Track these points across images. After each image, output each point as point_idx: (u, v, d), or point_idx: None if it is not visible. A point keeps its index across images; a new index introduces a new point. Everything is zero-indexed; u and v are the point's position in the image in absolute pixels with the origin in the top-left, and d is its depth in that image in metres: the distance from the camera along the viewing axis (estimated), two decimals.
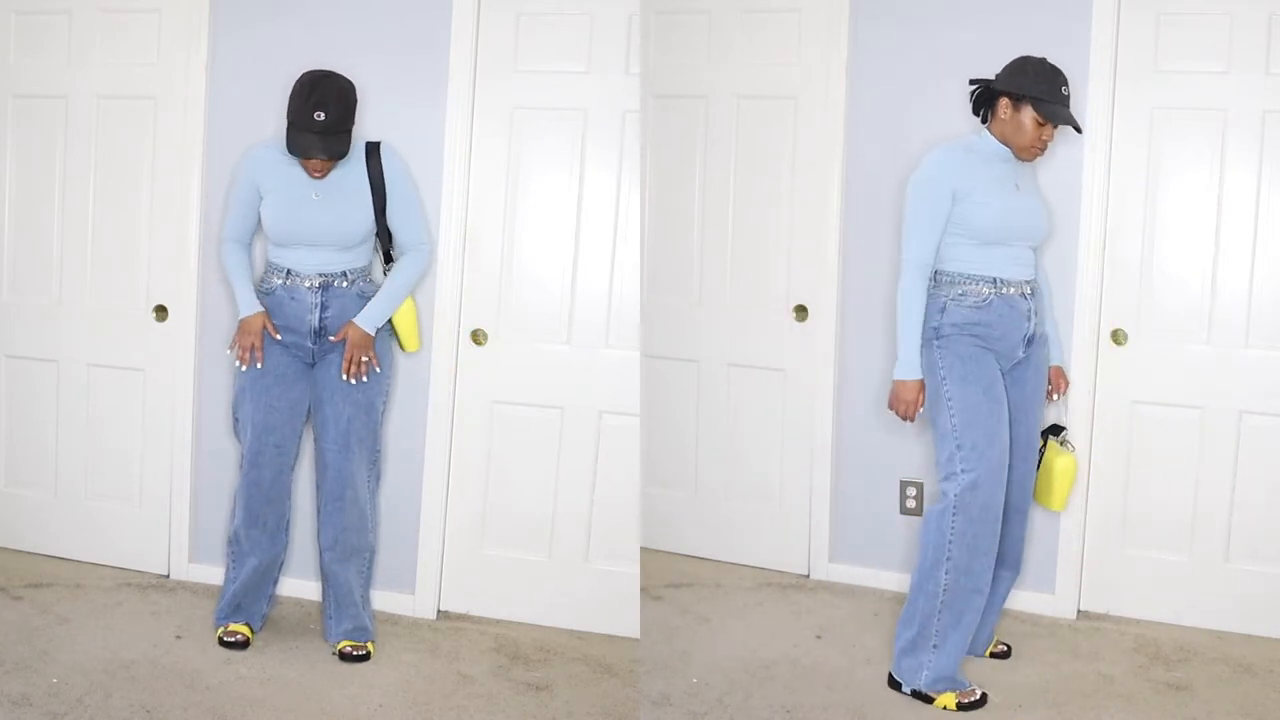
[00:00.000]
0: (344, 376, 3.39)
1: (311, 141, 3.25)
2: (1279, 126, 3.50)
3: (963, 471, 3.11)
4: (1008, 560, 3.36)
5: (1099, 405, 3.70)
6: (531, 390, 3.75)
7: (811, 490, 4.08)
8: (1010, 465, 3.27)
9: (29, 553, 4.09)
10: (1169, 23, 3.56)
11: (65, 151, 3.96)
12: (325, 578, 3.54)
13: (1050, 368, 3.42)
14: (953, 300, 3.18)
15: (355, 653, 3.44)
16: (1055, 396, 3.45)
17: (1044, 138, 3.18)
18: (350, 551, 3.52)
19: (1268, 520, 3.60)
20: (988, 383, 3.15)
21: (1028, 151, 3.20)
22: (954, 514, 3.11)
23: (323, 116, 3.23)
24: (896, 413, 3.21)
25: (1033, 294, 3.25)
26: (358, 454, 3.46)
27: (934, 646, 3.17)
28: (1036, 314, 3.27)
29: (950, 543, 3.12)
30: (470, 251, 3.72)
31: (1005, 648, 3.46)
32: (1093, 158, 3.61)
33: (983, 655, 3.43)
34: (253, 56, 3.76)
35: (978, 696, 3.17)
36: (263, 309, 3.42)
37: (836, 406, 4.01)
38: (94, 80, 3.90)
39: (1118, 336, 3.67)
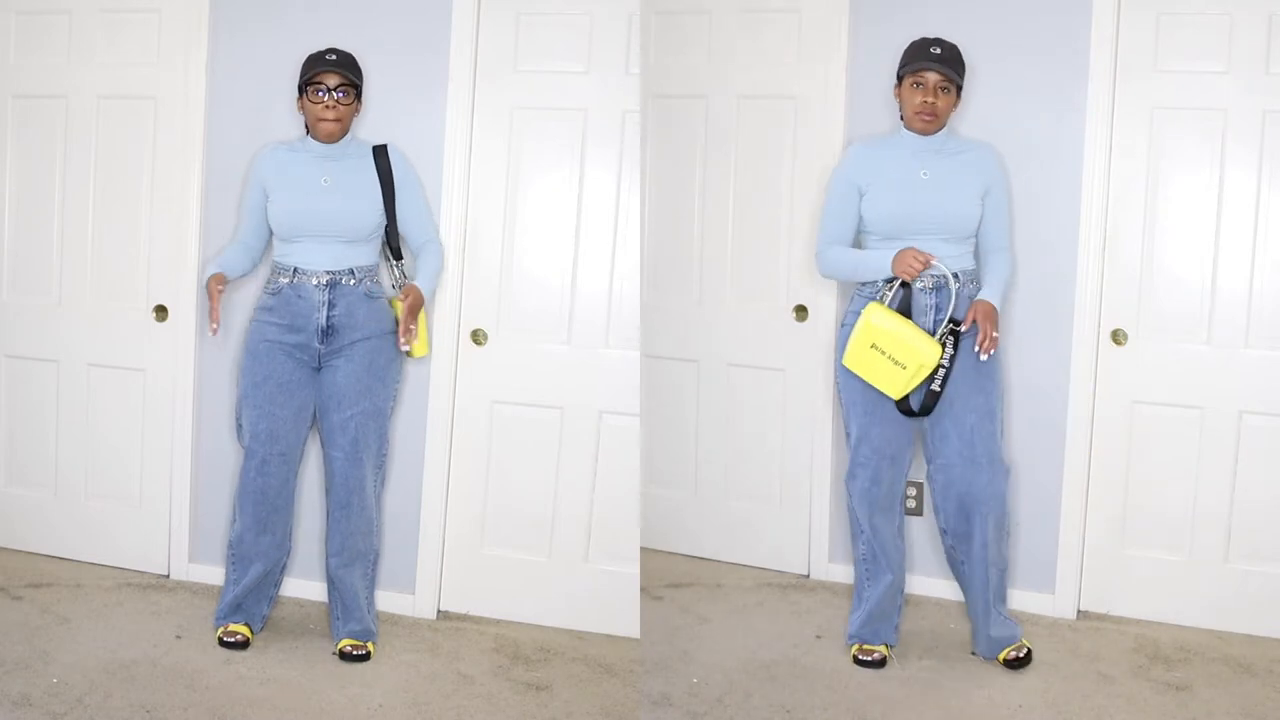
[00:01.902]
0: (400, 343, 3.40)
1: (325, 68, 3.34)
2: (1279, 126, 3.51)
3: (849, 459, 3.39)
4: (973, 557, 3.33)
5: (1099, 405, 3.70)
6: (531, 390, 3.75)
7: (811, 490, 4.08)
8: (946, 466, 3.31)
9: (29, 553, 4.09)
10: (1169, 23, 3.56)
11: (65, 151, 3.95)
12: (331, 582, 3.54)
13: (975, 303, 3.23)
14: (858, 293, 3.33)
15: (355, 652, 3.44)
16: (978, 350, 3.19)
17: (924, 99, 3.22)
18: (355, 556, 3.52)
19: (1268, 520, 3.60)
20: (865, 382, 3.27)
21: (918, 119, 3.26)
22: (848, 495, 3.43)
23: (333, 56, 3.37)
24: (907, 273, 3.14)
25: (939, 288, 3.23)
26: (365, 461, 3.46)
27: (864, 600, 3.45)
28: (942, 308, 3.23)
29: (857, 520, 3.42)
30: (470, 251, 3.72)
31: (1015, 656, 3.35)
32: (1093, 158, 3.61)
33: (993, 660, 3.38)
34: (253, 56, 3.76)
35: (875, 658, 3.38)
36: (218, 271, 3.41)
37: (836, 406, 4.00)
38: (94, 80, 3.90)
39: (1118, 336, 3.67)
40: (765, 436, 4.14)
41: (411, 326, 3.40)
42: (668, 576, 4.09)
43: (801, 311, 4.03)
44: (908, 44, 3.32)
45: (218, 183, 3.80)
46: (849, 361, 3.23)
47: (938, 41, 3.27)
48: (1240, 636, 3.61)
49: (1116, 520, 3.73)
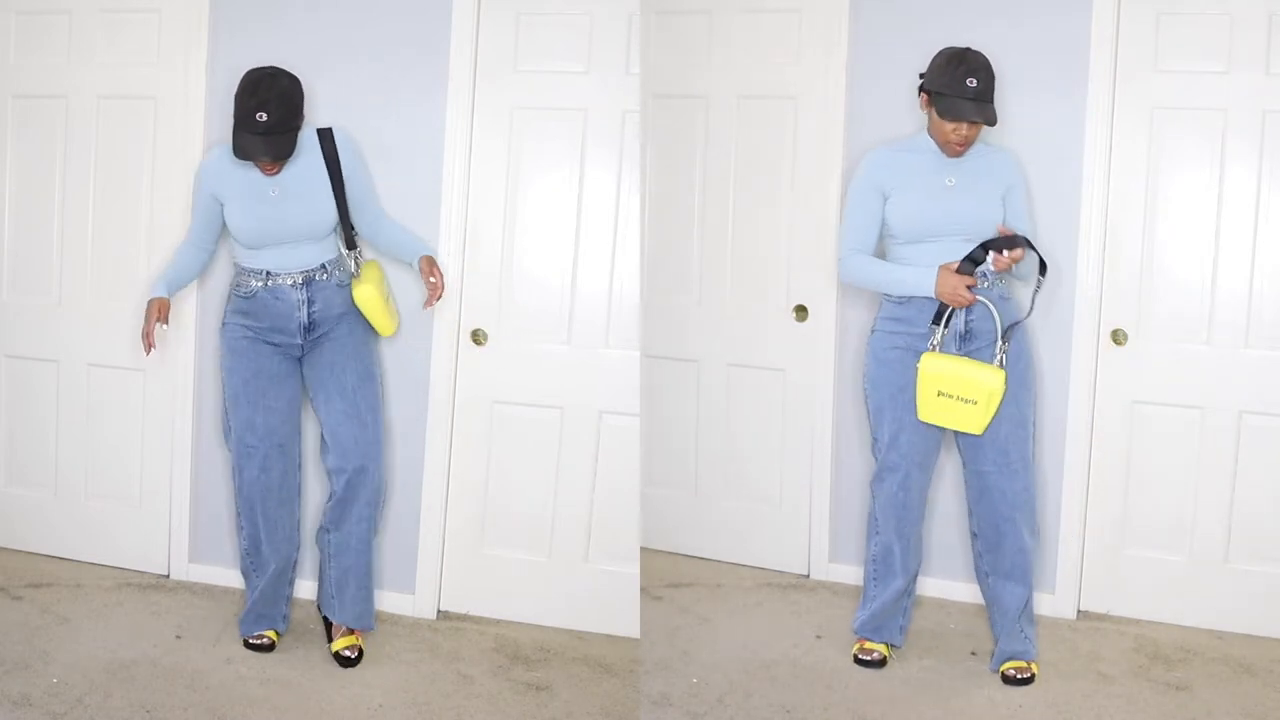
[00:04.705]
0: (430, 302, 3.46)
1: (254, 144, 3.17)
2: (1279, 126, 3.50)
3: (876, 463, 3.39)
4: (1003, 570, 3.32)
5: (1099, 405, 3.70)
6: (531, 390, 3.75)
7: (811, 490, 4.08)
8: (982, 472, 3.29)
9: (29, 553, 4.09)
10: (1169, 22, 3.56)
11: (65, 151, 3.95)
12: (326, 550, 3.51)
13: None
14: (885, 297, 3.34)
15: (351, 654, 3.43)
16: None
17: (959, 133, 3.17)
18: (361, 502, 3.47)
19: (1268, 520, 3.60)
20: (895, 388, 3.30)
21: (948, 148, 3.23)
22: (872, 497, 3.42)
23: (265, 117, 3.16)
24: (957, 305, 3.17)
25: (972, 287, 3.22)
26: (369, 421, 3.43)
27: (871, 599, 3.46)
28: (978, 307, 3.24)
29: (875, 519, 3.43)
30: (470, 251, 3.72)
31: (1014, 674, 3.29)
32: (1093, 158, 3.61)
33: (995, 671, 3.35)
34: (252, 56, 3.73)
35: (874, 658, 3.41)
36: (164, 296, 3.35)
37: (836, 406, 4.00)
38: (94, 80, 3.90)
39: (1118, 336, 3.67)
40: (765, 436, 4.14)
41: (433, 280, 3.43)
42: (668, 576, 4.09)
43: (801, 311, 4.03)
44: (940, 55, 3.20)
45: None
46: (924, 416, 3.20)
47: (973, 71, 3.13)
48: (1240, 636, 3.60)
49: (1116, 520, 3.73)
